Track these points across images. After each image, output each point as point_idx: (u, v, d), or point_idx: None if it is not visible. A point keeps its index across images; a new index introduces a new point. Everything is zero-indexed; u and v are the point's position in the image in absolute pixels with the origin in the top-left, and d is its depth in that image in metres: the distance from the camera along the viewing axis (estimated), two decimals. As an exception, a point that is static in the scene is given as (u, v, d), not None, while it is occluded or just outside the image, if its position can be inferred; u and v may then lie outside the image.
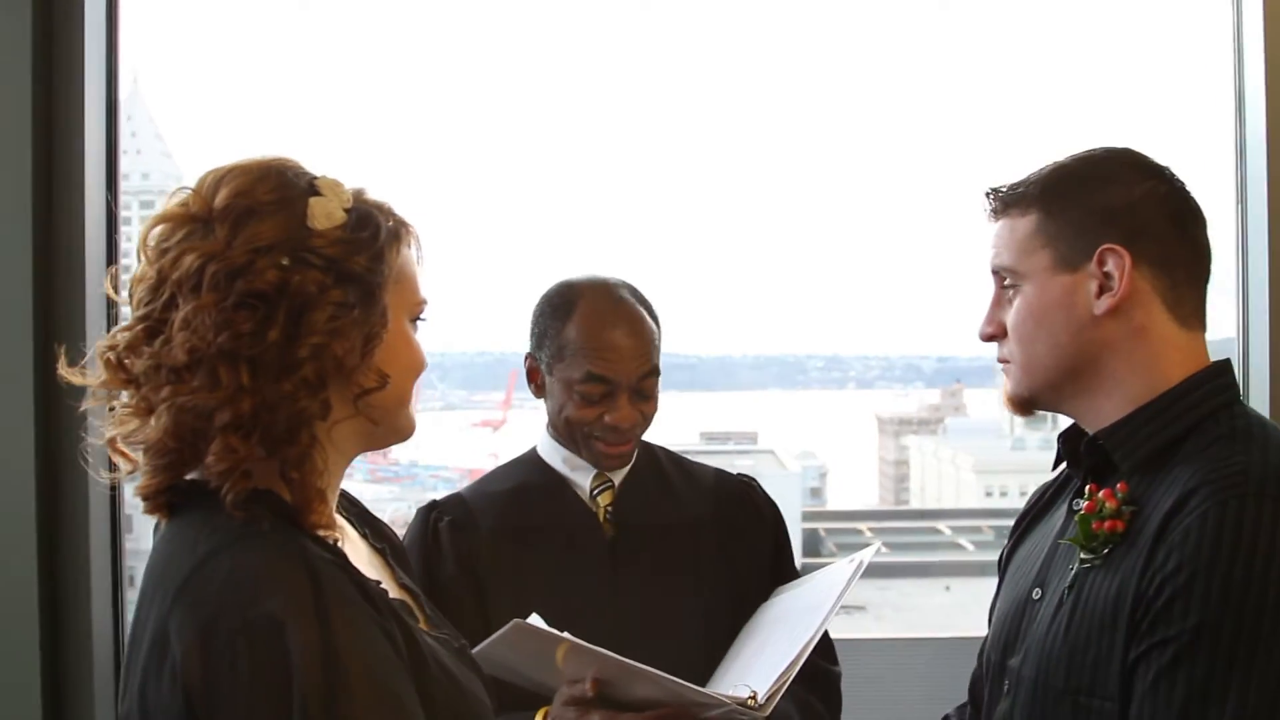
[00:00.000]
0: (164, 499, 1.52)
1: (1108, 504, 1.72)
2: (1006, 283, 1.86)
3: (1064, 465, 1.96)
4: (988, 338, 1.90)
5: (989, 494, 75.56)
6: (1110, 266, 1.76)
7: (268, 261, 1.46)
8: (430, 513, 2.42)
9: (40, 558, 2.86)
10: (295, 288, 1.46)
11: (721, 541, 2.45)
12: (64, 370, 1.56)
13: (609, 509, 2.40)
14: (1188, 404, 1.75)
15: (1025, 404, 1.88)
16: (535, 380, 2.44)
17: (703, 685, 2.18)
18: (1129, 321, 1.77)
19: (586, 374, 2.31)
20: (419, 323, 1.65)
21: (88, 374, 1.54)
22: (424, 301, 1.64)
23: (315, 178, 1.55)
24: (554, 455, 2.46)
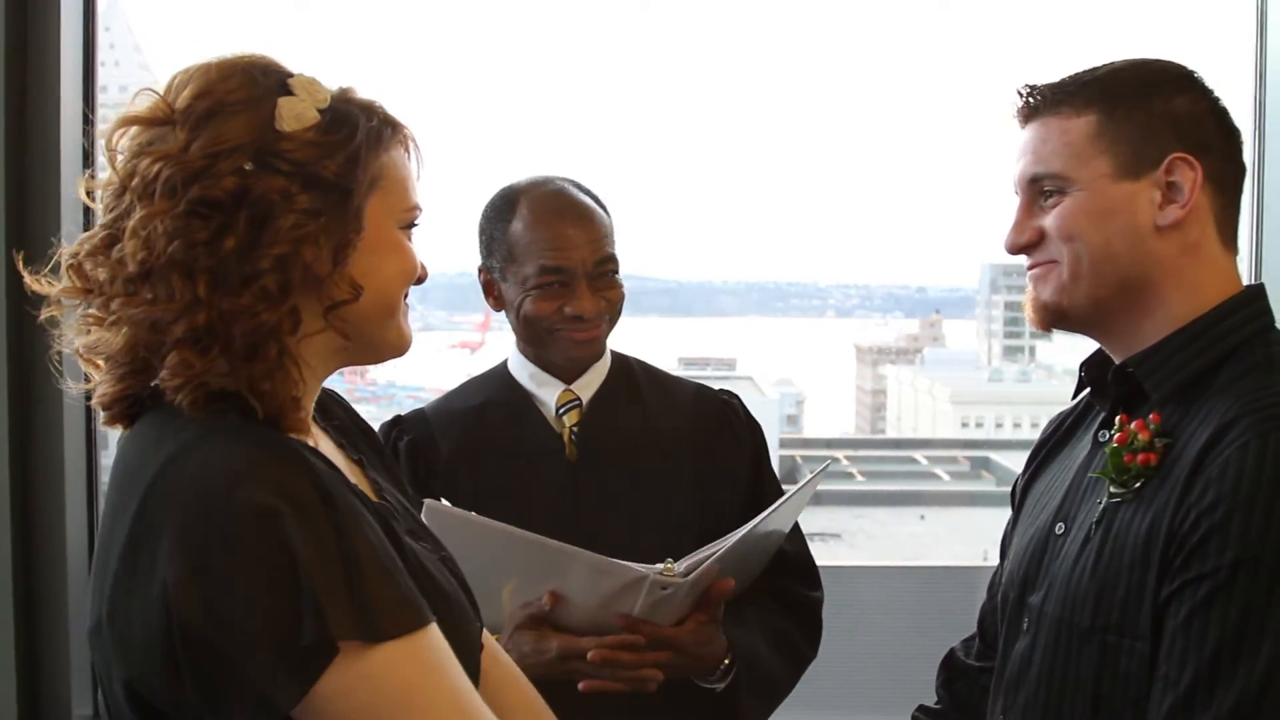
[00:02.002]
0: (123, 408, 1.46)
1: (1140, 436, 1.64)
2: (1047, 189, 1.72)
3: (1084, 395, 1.87)
4: (1019, 249, 1.75)
5: (965, 425, 76.27)
6: (1178, 177, 1.66)
7: (227, 165, 1.37)
8: (392, 429, 2.36)
9: (12, 469, 2.82)
10: (256, 194, 1.37)
11: (694, 463, 2.37)
12: (29, 278, 1.48)
13: (574, 429, 2.33)
14: (1223, 330, 1.66)
15: (1058, 315, 1.74)
16: (492, 293, 2.34)
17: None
18: (1185, 238, 1.67)
19: (540, 268, 2.23)
20: (411, 230, 1.55)
21: (52, 282, 1.47)
22: (416, 207, 1.54)
23: (290, 76, 1.45)
24: (522, 371, 2.38)
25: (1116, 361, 1.74)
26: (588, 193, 2.32)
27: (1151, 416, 1.64)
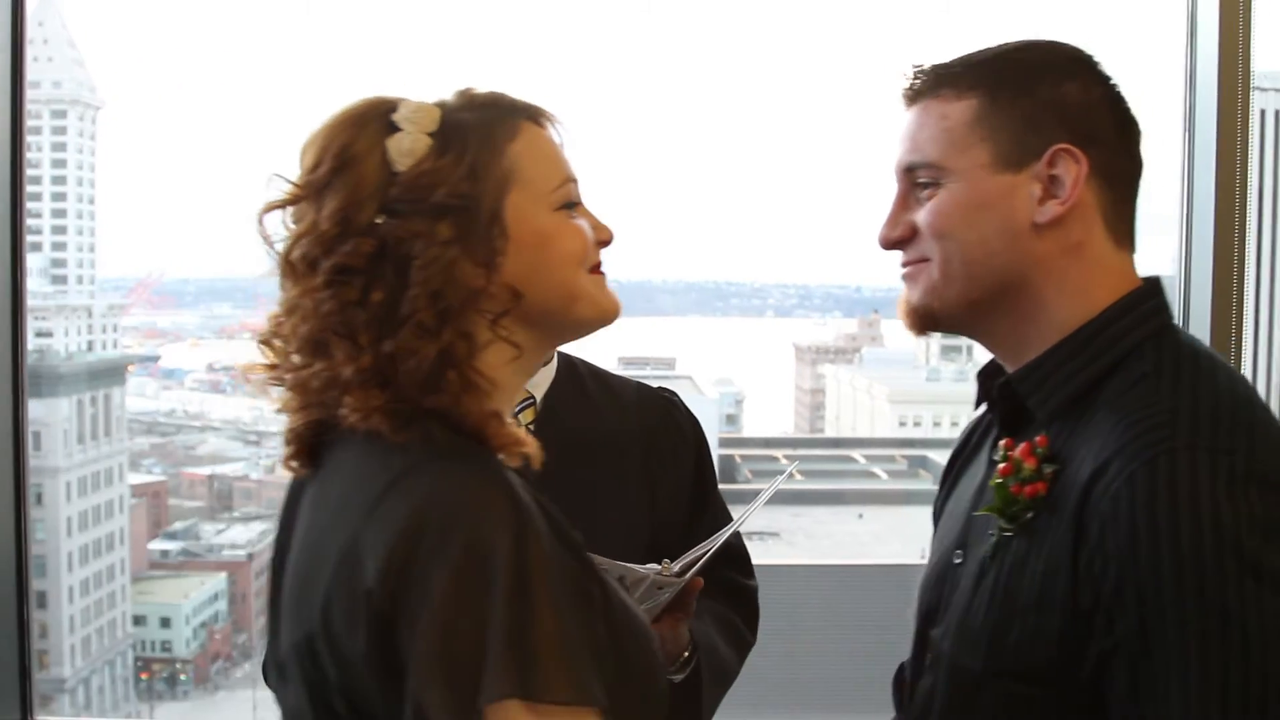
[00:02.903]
0: (303, 448, 1.49)
1: (1026, 465, 1.51)
2: (922, 180, 1.59)
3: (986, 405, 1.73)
4: (892, 243, 1.63)
5: (903, 424, 76.60)
6: (1060, 170, 1.53)
7: (359, 225, 1.39)
8: None
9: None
10: (394, 243, 1.39)
11: (644, 460, 2.37)
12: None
13: (530, 427, 2.32)
14: (1112, 335, 1.53)
15: (931, 318, 1.61)
16: None
17: None
18: (1067, 236, 1.55)
19: None
20: (573, 205, 1.52)
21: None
22: (567, 181, 1.51)
23: (395, 109, 1.45)
24: None
25: (1008, 371, 1.63)
26: None
27: (1038, 440, 1.52)
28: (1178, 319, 2.93)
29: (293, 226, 1.45)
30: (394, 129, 1.43)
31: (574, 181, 1.53)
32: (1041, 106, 1.55)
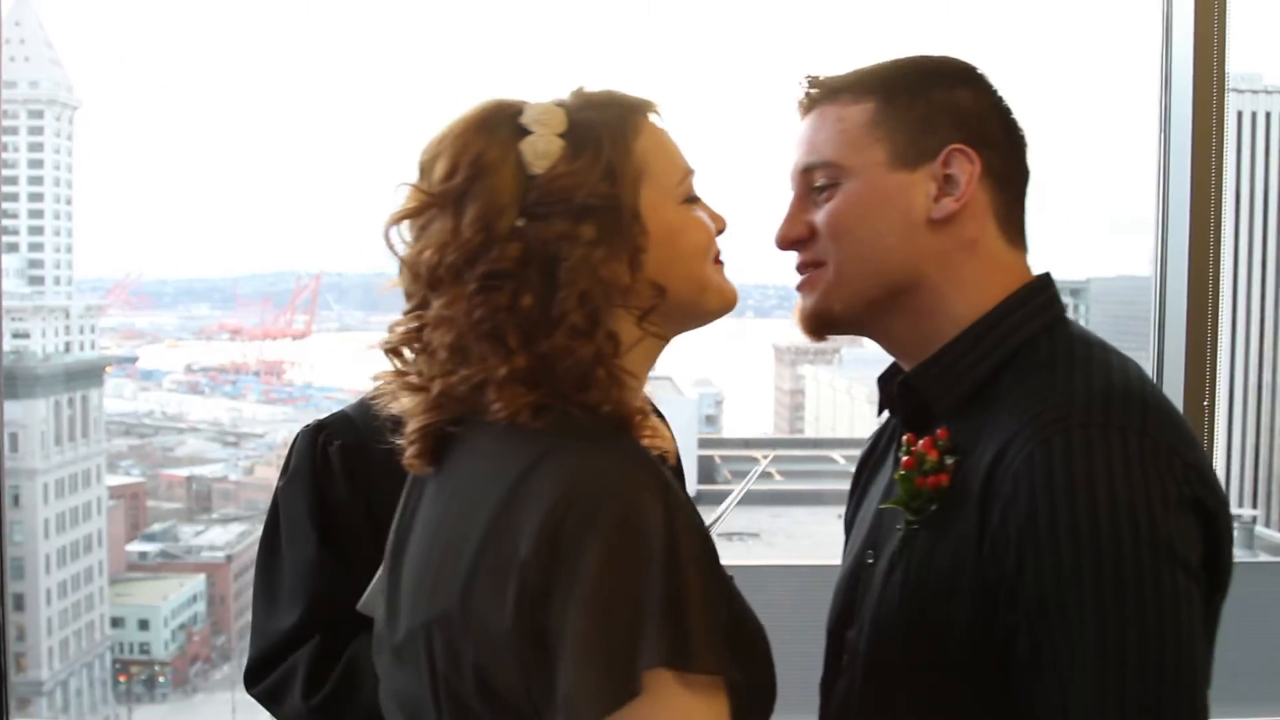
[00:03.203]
0: (432, 445, 1.49)
1: (928, 457, 1.52)
2: (819, 182, 1.61)
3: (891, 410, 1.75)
4: (790, 242, 1.64)
5: (882, 424, 76.87)
6: (955, 169, 1.56)
7: (502, 231, 1.39)
8: (318, 434, 2.27)
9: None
10: (538, 246, 1.39)
11: None
12: (377, 376, 1.55)
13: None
14: (1006, 329, 1.55)
15: (829, 320, 1.63)
16: None
17: None
18: (961, 233, 1.57)
19: None
20: (693, 198, 1.53)
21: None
22: (688, 173, 1.52)
23: (522, 112, 1.45)
24: None
25: (906, 371, 1.64)
26: None
27: (939, 433, 1.54)
28: (1153, 318, 3.00)
29: (424, 235, 1.45)
30: (524, 132, 1.43)
31: (693, 173, 1.54)
32: (936, 109, 1.59)
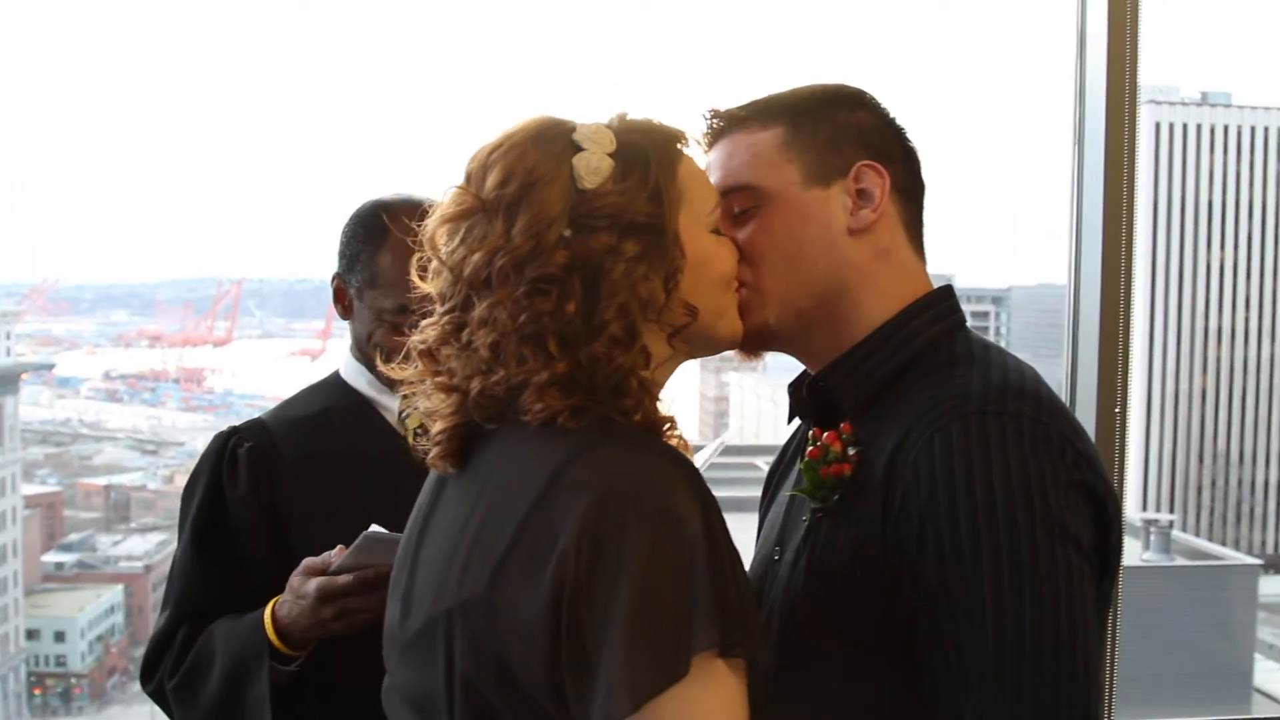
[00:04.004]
0: (458, 446, 1.54)
1: (832, 448, 1.62)
2: (739, 208, 1.68)
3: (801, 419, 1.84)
4: None
5: (805, 431, 77.24)
6: (867, 183, 1.66)
7: (551, 240, 1.45)
8: (229, 439, 2.30)
9: None
10: (583, 257, 1.45)
11: None
12: (383, 366, 1.63)
13: (418, 432, 2.31)
14: (910, 332, 1.65)
15: (766, 337, 1.70)
16: (342, 302, 2.33)
17: None
18: (876, 242, 1.67)
19: (400, 307, 2.17)
20: (717, 230, 1.61)
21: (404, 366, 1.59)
22: (717, 204, 1.61)
23: (574, 130, 1.52)
24: (359, 378, 2.35)
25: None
26: None
27: (843, 426, 1.63)
28: (1067, 327, 3.04)
29: (471, 238, 1.49)
30: (576, 148, 1.49)
31: (720, 201, 1.62)
32: (840, 130, 1.69)
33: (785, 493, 1.79)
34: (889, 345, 1.65)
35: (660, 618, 1.30)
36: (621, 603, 1.30)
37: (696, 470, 1.42)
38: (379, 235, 2.26)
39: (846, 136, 1.68)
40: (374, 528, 1.98)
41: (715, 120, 1.73)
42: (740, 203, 1.68)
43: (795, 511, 1.70)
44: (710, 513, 1.37)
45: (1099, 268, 2.83)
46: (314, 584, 2.00)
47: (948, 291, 1.72)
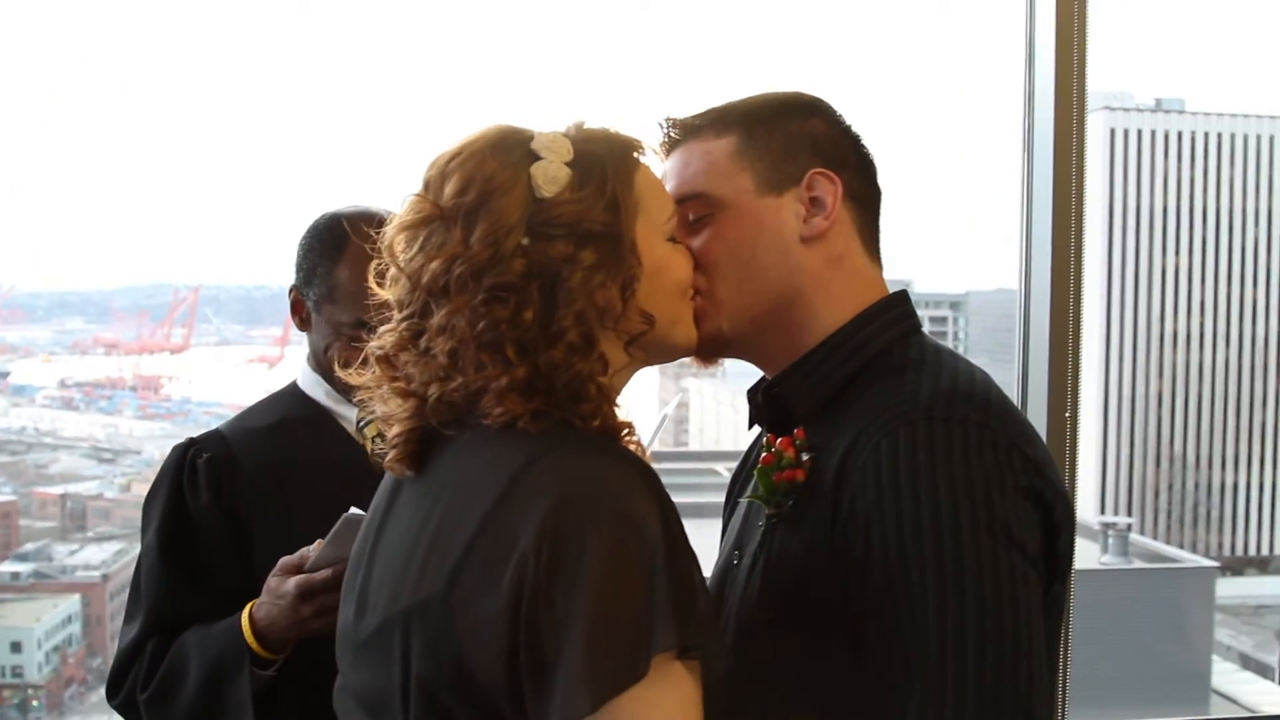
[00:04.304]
0: (415, 449, 1.55)
1: (786, 453, 1.64)
2: (693, 216, 1.70)
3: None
4: None
5: (765, 437, 77.28)
6: (820, 191, 1.68)
7: (509, 248, 1.47)
8: (188, 449, 2.30)
9: None
10: (541, 265, 1.47)
11: None
12: (341, 372, 1.64)
13: (376, 440, 2.32)
14: (863, 338, 1.66)
15: (721, 344, 1.72)
16: (300, 314, 2.33)
17: None
18: (829, 249, 1.68)
19: (357, 320, 2.17)
20: (673, 239, 1.62)
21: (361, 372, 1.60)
22: (673, 213, 1.62)
23: (532, 138, 1.53)
24: (316, 388, 2.36)
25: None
26: None
27: (797, 432, 1.65)
28: (1018, 332, 3.06)
29: (429, 246, 1.50)
30: (534, 157, 1.51)
31: (675, 209, 1.63)
32: (794, 138, 1.70)
33: (743, 497, 1.80)
34: (843, 351, 1.66)
35: (619, 619, 1.31)
36: (581, 604, 1.31)
37: (655, 475, 1.43)
38: (336, 249, 2.27)
39: (800, 144, 1.70)
40: (353, 510, 1.99)
41: (671, 129, 1.75)
42: (695, 210, 1.69)
43: (753, 517, 1.72)
44: (669, 517, 1.38)
45: (1049, 273, 2.86)
46: (292, 582, 2.01)
47: (902, 297, 1.73)
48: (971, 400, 1.54)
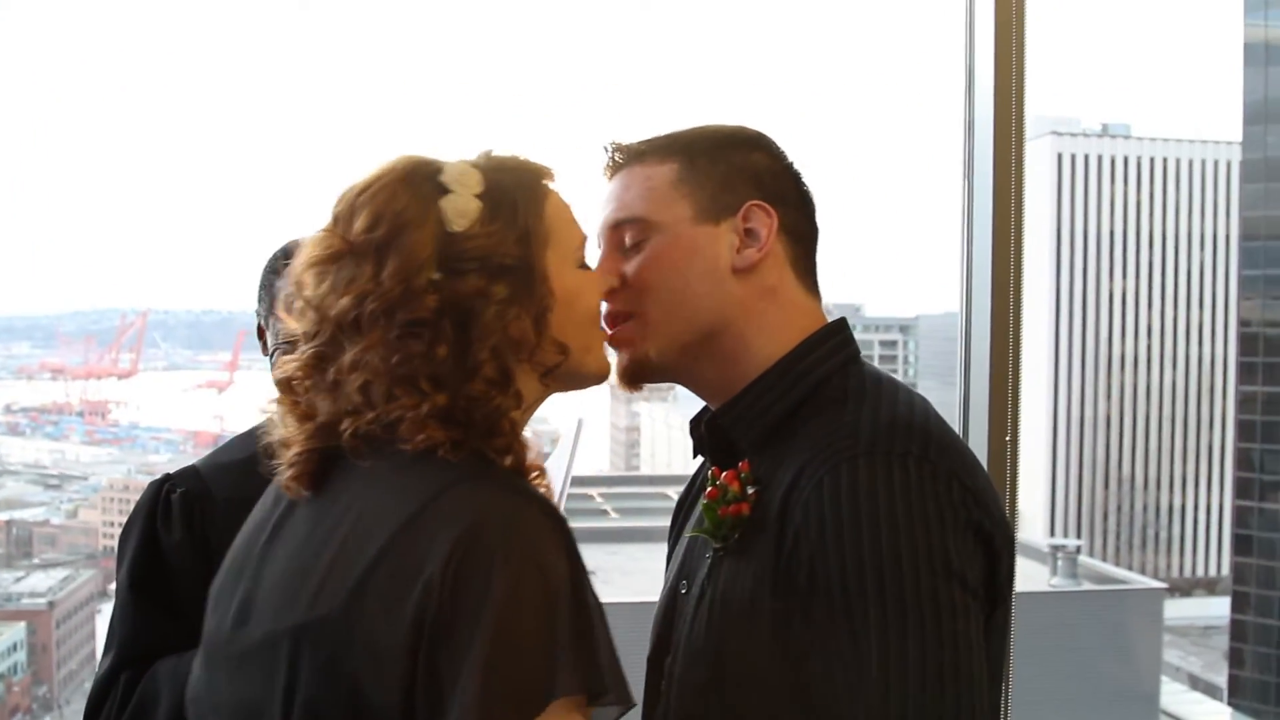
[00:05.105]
0: (314, 469, 1.50)
1: (730, 487, 1.62)
2: (629, 238, 1.70)
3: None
4: (606, 292, 1.71)
5: (717, 460, 77.45)
6: (755, 223, 1.67)
7: (421, 283, 1.44)
8: (163, 485, 2.30)
9: None
10: (453, 301, 1.44)
11: None
12: (268, 408, 1.57)
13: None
14: (803, 369, 1.65)
15: (647, 368, 1.71)
16: (264, 339, 2.35)
17: None
18: (762, 281, 1.67)
19: None
20: (585, 266, 1.61)
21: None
22: (584, 239, 1.60)
23: (441, 171, 1.51)
24: None
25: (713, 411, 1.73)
26: None
27: (741, 465, 1.64)
28: (959, 356, 3.09)
29: (339, 281, 1.48)
30: (444, 190, 1.49)
31: (587, 239, 1.62)
32: (735, 169, 1.70)
33: (689, 531, 1.80)
34: (783, 382, 1.65)
35: (519, 655, 1.30)
36: (482, 636, 1.29)
37: (566, 523, 1.42)
38: None
39: (740, 177, 1.70)
40: None
41: (616, 153, 1.75)
42: (631, 234, 1.70)
43: (699, 548, 1.70)
44: (576, 566, 1.36)
45: (989, 298, 2.86)
46: None
47: (840, 325, 1.73)
48: (911, 432, 1.54)
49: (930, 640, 1.43)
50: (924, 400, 1.63)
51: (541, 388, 1.54)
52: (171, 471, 2.35)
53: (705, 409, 1.75)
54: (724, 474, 1.64)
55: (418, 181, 1.50)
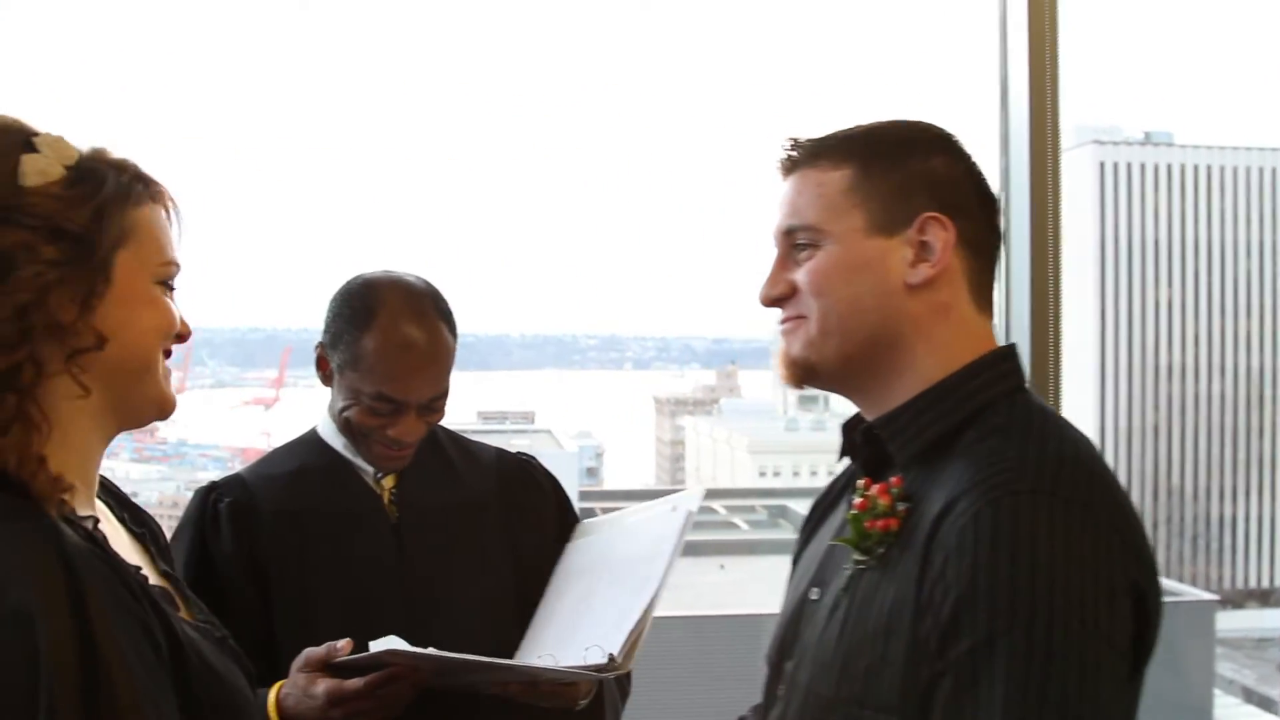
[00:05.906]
0: None
1: (881, 501, 1.59)
2: (801, 242, 1.68)
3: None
4: (772, 301, 1.70)
5: (763, 474, 77.16)
6: (930, 236, 1.63)
7: None
8: (209, 494, 2.35)
9: None
10: None
11: (505, 518, 2.45)
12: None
13: (393, 491, 2.37)
14: (969, 391, 1.62)
15: (807, 371, 1.68)
16: (324, 369, 2.37)
17: (511, 654, 2.25)
18: (935, 297, 1.64)
19: (378, 393, 2.24)
20: (170, 287, 1.57)
21: None
22: (172, 263, 1.56)
23: (37, 135, 1.48)
24: (335, 438, 2.40)
25: (870, 420, 1.70)
26: (444, 313, 2.34)
27: (894, 480, 1.61)
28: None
29: None
30: (32, 149, 1.46)
31: (178, 266, 1.58)
32: (911, 177, 1.65)
33: (827, 530, 1.79)
34: (946, 402, 1.62)
35: None
36: None
37: (68, 551, 1.34)
38: (364, 320, 2.28)
39: (917, 184, 1.65)
40: (392, 640, 2.02)
41: (792, 152, 1.72)
42: (802, 237, 1.68)
43: (838, 556, 1.67)
44: (83, 605, 1.30)
45: (1028, 313, 2.89)
46: (322, 688, 2.01)
47: (1010, 351, 1.70)
48: (1077, 475, 1.52)
49: (1070, 697, 1.40)
50: (1086, 439, 1.60)
51: (71, 382, 1.45)
52: (218, 480, 2.39)
53: (858, 415, 1.72)
54: (875, 486, 1.62)
55: (11, 133, 1.46)
